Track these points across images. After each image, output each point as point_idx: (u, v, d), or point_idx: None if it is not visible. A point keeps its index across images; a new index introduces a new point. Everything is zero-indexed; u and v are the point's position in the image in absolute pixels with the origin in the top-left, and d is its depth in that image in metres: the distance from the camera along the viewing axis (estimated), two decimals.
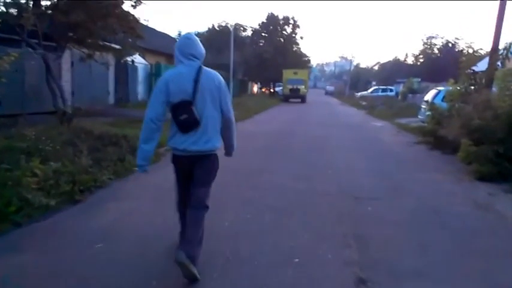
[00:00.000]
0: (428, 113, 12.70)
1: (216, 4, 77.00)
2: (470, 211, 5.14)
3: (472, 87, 10.63)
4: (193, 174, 3.14)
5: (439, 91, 13.66)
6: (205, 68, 3.09)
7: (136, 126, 11.41)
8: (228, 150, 3.45)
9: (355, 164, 7.98)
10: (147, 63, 20.93)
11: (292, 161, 8.02)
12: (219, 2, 75.02)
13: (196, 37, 3.18)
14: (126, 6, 11.80)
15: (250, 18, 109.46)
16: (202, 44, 3.22)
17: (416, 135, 13.27)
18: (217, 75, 3.14)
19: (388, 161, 8.60)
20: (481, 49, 13.00)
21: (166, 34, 37.40)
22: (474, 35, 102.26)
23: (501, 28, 10.88)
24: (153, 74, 21.04)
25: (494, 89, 10.77)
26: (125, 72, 17.94)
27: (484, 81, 10.55)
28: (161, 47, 29.09)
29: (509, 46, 10.17)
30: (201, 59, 3.12)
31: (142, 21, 13.81)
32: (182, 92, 2.95)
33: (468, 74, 10.67)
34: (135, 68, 18.73)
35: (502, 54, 10.32)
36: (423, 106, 14.26)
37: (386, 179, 6.66)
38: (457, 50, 50.27)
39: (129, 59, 18.06)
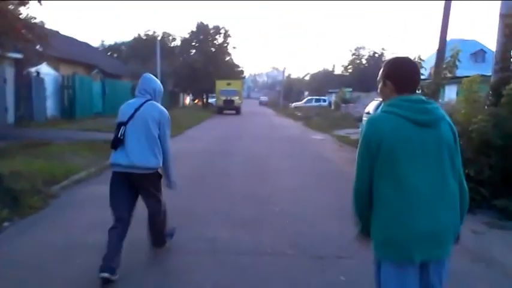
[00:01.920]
0: None
1: (144, 13, 73.75)
2: (466, 267, 3.90)
3: None
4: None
5: (381, 102, 12.93)
6: (152, 102, 3.63)
7: (36, 154, 9.49)
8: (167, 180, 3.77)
9: (307, 195, 6.57)
10: (58, 74, 18.19)
11: (229, 197, 6.40)
12: (147, 11, 71.95)
13: (151, 76, 3.82)
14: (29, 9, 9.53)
15: (180, 28, 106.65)
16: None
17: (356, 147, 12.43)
18: (161, 111, 3.60)
19: (342, 188, 7.31)
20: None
21: (86, 43, 34.23)
22: (401, 45, 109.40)
23: (446, 34, 10.32)
24: (67, 87, 18.34)
25: (440, 100, 10.16)
26: (27, 85, 15.18)
27: (430, 91, 9.89)
28: (80, 57, 26.22)
29: (457, 53, 9.57)
30: (152, 93, 3.68)
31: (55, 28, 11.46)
32: (124, 116, 3.54)
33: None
34: (41, 81, 16.02)
35: (449, 62, 9.69)
36: (364, 118, 13.47)
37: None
38: (383, 60, 52.72)
39: (33, 69, 15.43)
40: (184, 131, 16.95)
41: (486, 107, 6.50)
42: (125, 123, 3.47)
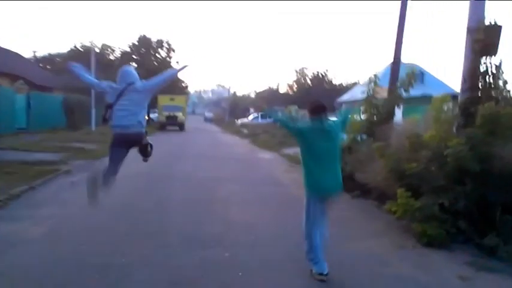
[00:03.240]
0: None
1: (83, 25, 69.85)
2: None
3: (375, 118, 9.37)
4: None
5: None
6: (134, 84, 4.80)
7: None
8: None
9: (261, 233, 5.53)
10: None
11: (165, 238, 5.18)
12: (86, 23, 68.11)
13: (129, 69, 5.08)
14: None
15: (121, 40, 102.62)
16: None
17: None
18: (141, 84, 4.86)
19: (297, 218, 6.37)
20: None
21: (15, 52, 31.16)
22: (343, 66, 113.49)
23: (400, 53, 9.95)
24: None
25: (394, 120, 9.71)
26: None
27: (385, 110, 9.40)
28: (4, 67, 23.50)
29: (413, 73, 9.20)
30: (133, 79, 4.83)
31: None
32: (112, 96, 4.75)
33: (371, 102, 9.35)
34: None
35: (404, 81, 9.28)
36: None
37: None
38: (326, 80, 53.91)
39: None
40: None
41: (455, 129, 5.93)
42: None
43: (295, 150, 17.02)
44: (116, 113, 4.67)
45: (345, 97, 32.82)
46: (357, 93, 30.43)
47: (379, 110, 9.37)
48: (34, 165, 9.51)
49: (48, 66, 42.44)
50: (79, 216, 5.80)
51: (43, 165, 9.69)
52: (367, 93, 9.47)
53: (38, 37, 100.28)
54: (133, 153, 5.14)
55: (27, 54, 39.35)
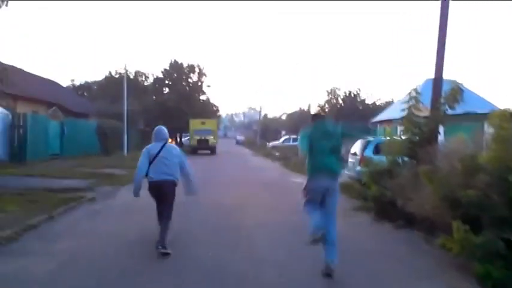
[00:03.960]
0: (360, 168, 10.42)
1: (118, 52, 72.90)
2: None
3: (417, 138, 8.54)
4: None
5: (369, 141, 11.56)
6: (169, 144, 5.76)
7: None
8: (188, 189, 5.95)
9: (287, 268, 4.84)
10: (6, 112, 16.21)
11: (184, 273, 4.61)
12: (120, 51, 70.95)
13: (162, 127, 5.89)
14: None
15: (154, 66, 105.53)
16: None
17: (346, 194, 10.86)
18: (175, 148, 5.87)
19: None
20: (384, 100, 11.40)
21: (52, 81, 32.41)
22: (375, 85, 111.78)
23: (443, 66, 9.14)
24: (17, 126, 16.29)
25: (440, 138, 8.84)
26: None
27: (428, 129, 8.57)
28: (42, 95, 24.32)
29: (458, 88, 8.37)
30: (166, 138, 5.78)
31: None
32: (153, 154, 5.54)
33: (413, 120, 8.56)
34: None
35: (448, 97, 8.46)
36: (351, 160, 12.04)
37: None
38: (359, 100, 52.74)
39: None
40: None
41: None
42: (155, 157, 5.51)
43: None
44: (154, 166, 5.54)
45: (380, 117, 31.61)
46: (392, 113, 29.28)
47: (421, 129, 8.55)
48: (58, 192, 9.30)
49: (85, 94, 43.98)
50: (92, 250, 5.34)
51: (68, 192, 9.47)
52: (408, 110, 8.69)
53: (75, 66, 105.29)
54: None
55: (65, 83, 40.87)
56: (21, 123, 16.27)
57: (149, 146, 5.67)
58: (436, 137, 8.59)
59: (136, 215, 7.59)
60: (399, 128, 19.02)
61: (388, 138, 9.34)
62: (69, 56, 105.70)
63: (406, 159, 8.66)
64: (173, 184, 5.57)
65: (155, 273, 4.59)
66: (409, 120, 8.59)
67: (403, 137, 8.88)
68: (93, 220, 7.17)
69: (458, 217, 4.79)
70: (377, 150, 10.94)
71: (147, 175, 5.49)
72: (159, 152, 5.48)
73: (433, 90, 9.50)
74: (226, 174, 16.34)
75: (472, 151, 5.89)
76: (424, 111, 9.37)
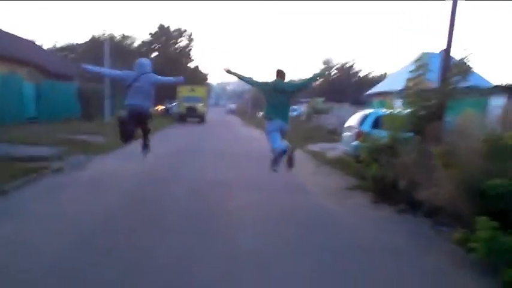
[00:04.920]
0: (357, 144, 9.54)
1: (105, 15, 68.88)
2: None
3: (424, 112, 7.64)
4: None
5: (367, 115, 10.63)
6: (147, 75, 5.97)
7: None
8: None
9: (274, 265, 3.99)
10: None
11: (144, 281, 3.73)
12: (107, 13, 67.05)
13: (145, 59, 6.32)
14: None
15: (142, 30, 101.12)
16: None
17: (341, 170, 10.06)
18: (153, 76, 6.04)
19: (331, 242, 4.78)
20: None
21: (33, 42, 30.61)
22: (368, 58, 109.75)
23: (453, 31, 8.13)
24: None
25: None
26: None
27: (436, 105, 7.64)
28: (21, 55, 22.64)
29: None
30: (147, 70, 6.00)
31: None
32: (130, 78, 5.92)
33: (420, 92, 7.62)
34: None
35: (461, 65, 7.51)
36: (348, 133, 11.14)
37: None
38: (353, 71, 51.57)
39: None
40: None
41: None
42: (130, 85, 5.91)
43: (322, 147, 15.41)
44: (130, 94, 5.90)
45: (375, 89, 30.66)
46: (388, 85, 28.31)
47: (429, 102, 7.64)
48: (21, 161, 8.27)
49: (68, 56, 41.97)
50: (38, 238, 4.41)
51: (32, 161, 8.45)
52: (414, 81, 7.74)
53: (59, 28, 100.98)
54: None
55: (47, 45, 38.85)
56: None
57: (126, 72, 6.15)
58: (445, 112, 7.70)
59: (104, 193, 6.66)
60: (397, 101, 18.08)
61: (390, 111, 8.42)
62: (53, 18, 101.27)
63: (410, 135, 7.81)
64: (147, 110, 6.17)
65: (106, 275, 3.70)
66: (416, 92, 7.66)
67: (408, 111, 7.99)
68: (52, 197, 6.21)
69: (481, 210, 3.95)
70: (376, 124, 10.05)
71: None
72: (135, 79, 5.88)
73: (443, 62, 8.53)
74: (212, 146, 15.38)
75: (494, 130, 5.02)
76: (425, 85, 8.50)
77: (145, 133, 6.54)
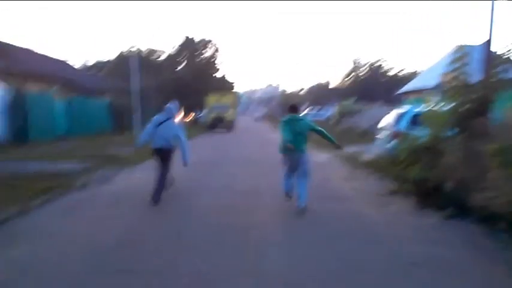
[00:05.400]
0: (395, 144, 8.88)
1: (130, 31, 70.45)
2: None
3: (468, 107, 6.92)
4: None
5: (404, 113, 9.94)
6: (171, 120, 6.95)
7: None
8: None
9: None
10: (4, 89, 15.18)
11: None
12: (131, 29, 68.51)
13: (172, 105, 7.17)
14: None
15: (167, 44, 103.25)
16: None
17: (377, 174, 9.39)
18: (175, 123, 7.04)
19: (376, 265, 4.22)
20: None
21: (63, 61, 31.48)
22: (397, 57, 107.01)
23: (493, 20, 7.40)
24: (18, 105, 15.16)
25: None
26: None
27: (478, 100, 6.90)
28: (53, 74, 23.23)
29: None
30: (172, 114, 7.04)
31: None
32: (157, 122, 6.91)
33: (462, 87, 6.93)
34: None
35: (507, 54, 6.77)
36: (383, 133, 10.47)
37: None
38: (382, 71, 50.19)
39: None
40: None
41: None
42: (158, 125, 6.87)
43: (354, 149, 14.68)
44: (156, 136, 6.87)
45: (406, 88, 29.48)
46: (419, 82, 27.10)
47: (473, 96, 6.92)
48: (47, 177, 8.18)
49: (98, 73, 43.09)
50: (50, 258, 4.11)
51: (58, 177, 8.35)
52: (455, 74, 7.06)
53: (88, 47, 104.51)
54: None
55: (78, 64, 39.99)
56: (20, 102, 15.17)
57: (157, 115, 7.10)
58: (490, 107, 6.97)
59: (126, 208, 6.37)
60: (431, 99, 17.09)
61: (429, 108, 7.74)
62: (82, 37, 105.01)
63: (453, 132, 7.12)
64: (168, 149, 6.92)
65: None
66: (457, 86, 6.96)
67: (449, 107, 7.30)
68: (73, 215, 5.96)
69: None
70: (413, 122, 9.36)
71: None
72: (162, 123, 6.89)
73: (485, 54, 7.81)
74: (240, 154, 15.01)
75: None
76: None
77: (161, 172, 6.88)
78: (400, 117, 9.76)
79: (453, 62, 7.09)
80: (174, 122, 6.98)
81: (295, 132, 6.13)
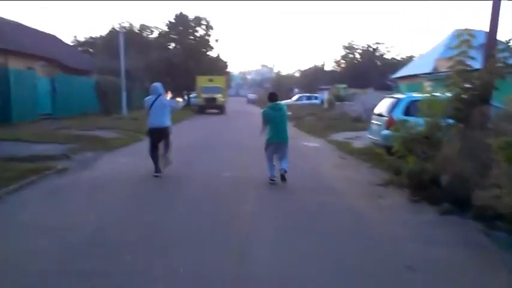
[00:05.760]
0: (388, 133, 8.57)
1: (122, 6, 67.96)
2: None
3: (468, 95, 6.58)
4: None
5: (399, 100, 9.58)
6: (161, 96, 7.48)
7: None
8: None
9: None
10: None
11: None
12: (125, 3, 66.14)
13: (157, 84, 7.74)
14: None
15: (160, 20, 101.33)
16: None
17: (369, 162, 9.13)
18: (166, 99, 7.68)
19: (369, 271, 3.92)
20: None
21: (52, 35, 30.30)
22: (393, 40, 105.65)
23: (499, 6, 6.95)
24: None
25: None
26: None
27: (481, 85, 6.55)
28: (39, 50, 22.37)
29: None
30: (160, 93, 7.50)
31: None
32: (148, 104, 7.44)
33: (464, 73, 6.58)
34: None
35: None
36: (376, 122, 10.14)
37: None
38: (377, 54, 49.56)
39: None
40: (143, 138, 13.43)
41: None
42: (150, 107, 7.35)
43: (346, 136, 14.40)
44: (151, 116, 7.38)
45: (401, 72, 29.09)
46: (416, 68, 26.69)
47: (474, 83, 6.58)
48: (24, 161, 7.74)
49: (90, 50, 41.93)
50: (14, 260, 3.74)
51: (36, 161, 7.92)
52: (458, 58, 6.68)
53: (79, 22, 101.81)
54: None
55: (68, 39, 38.81)
56: (4, 80, 14.53)
57: (146, 98, 7.60)
58: (491, 95, 6.64)
59: (105, 197, 6.00)
60: (426, 84, 16.70)
61: (426, 95, 7.40)
62: (73, 11, 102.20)
63: (451, 121, 6.81)
64: (166, 127, 7.44)
65: None
66: (459, 72, 6.60)
67: (448, 94, 6.96)
68: (47, 205, 5.56)
69: None
70: (408, 110, 9.03)
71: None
72: (153, 103, 7.36)
73: (488, 38, 7.40)
74: (230, 138, 14.65)
75: None
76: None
77: (165, 149, 7.53)
78: (395, 104, 9.41)
79: (457, 45, 6.71)
80: (164, 98, 7.54)
81: (277, 122, 7.04)
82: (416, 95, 10.26)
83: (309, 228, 4.76)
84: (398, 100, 9.51)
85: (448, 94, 6.97)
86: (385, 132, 8.91)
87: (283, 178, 6.97)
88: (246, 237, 4.44)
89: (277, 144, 7.07)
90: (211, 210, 5.41)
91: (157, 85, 7.62)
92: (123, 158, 9.43)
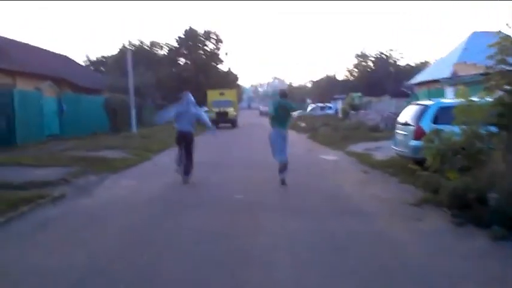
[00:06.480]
0: (417, 144, 7.70)
1: (132, 24, 68.82)
2: None
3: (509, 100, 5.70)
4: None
5: (427, 106, 8.69)
6: (190, 104, 8.41)
7: None
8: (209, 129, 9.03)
9: None
10: None
11: None
12: (134, 22, 67.03)
13: (188, 94, 8.56)
14: None
15: (170, 36, 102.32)
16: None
17: (397, 177, 8.24)
18: (195, 108, 8.71)
19: None
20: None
21: (62, 55, 30.37)
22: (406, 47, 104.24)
23: None
24: (3, 104, 14.03)
25: None
26: None
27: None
28: (48, 70, 22.20)
29: None
30: (189, 101, 8.45)
31: None
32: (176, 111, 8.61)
33: (506, 75, 5.72)
34: None
35: None
36: (401, 131, 9.25)
37: None
38: (391, 61, 48.61)
39: None
40: (151, 157, 12.78)
41: None
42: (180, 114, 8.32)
43: (365, 147, 13.47)
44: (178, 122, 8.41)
45: (418, 78, 28.08)
46: (434, 73, 25.66)
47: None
48: (18, 188, 7.08)
49: (101, 68, 42.13)
50: None
51: (32, 187, 7.26)
52: (498, 58, 5.83)
53: (91, 41, 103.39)
54: None
55: (80, 58, 39.01)
56: (7, 101, 14.06)
57: (178, 104, 8.67)
58: None
59: (100, 231, 5.24)
60: (448, 90, 15.62)
61: (463, 100, 6.53)
62: (85, 31, 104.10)
63: (495, 130, 5.93)
64: (191, 133, 8.34)
65: None
66: (502, 73, 5.75)
67: (489, 99, 6.10)
68: (34, 239, 4.86)
69: None
70: (437, 118, 8.16)
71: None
72: (184, 110, 8.28)
73: None
74: (242, 154, 13.90)
75: None
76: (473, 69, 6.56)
77: (188, 156, 8.23)
78: (423, 111, 8.53)
79: (496, 42, 5.85)
80: (194, 107, 8.48)
81: (280, 109, 8.08)
82: (446, 101, 9.38)
83: (341, 268, 3.89)
84: (426, 107, 8.63)
85: (488, 98, 6.13)
86: (414, 143, 8.04)
87: (283, 182, 7.86)
88: (263, 284, 3.62)
89: (278, 130, 8.06)
90: (220, 249, 4.58)
91: (188, 94, 8.54)
92: (126, 181, 8.72)
